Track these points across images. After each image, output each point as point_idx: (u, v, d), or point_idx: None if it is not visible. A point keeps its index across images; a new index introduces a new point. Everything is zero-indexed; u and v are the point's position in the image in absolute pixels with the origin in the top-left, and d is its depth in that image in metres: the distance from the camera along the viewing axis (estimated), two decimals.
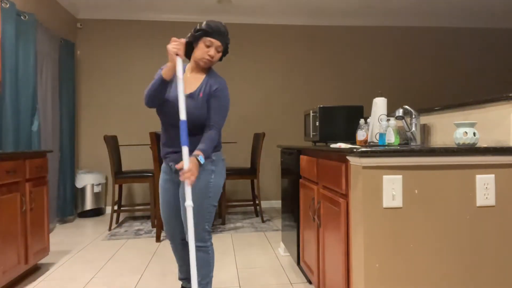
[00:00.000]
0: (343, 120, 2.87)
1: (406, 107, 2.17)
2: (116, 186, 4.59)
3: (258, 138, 4.45)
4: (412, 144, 2.13)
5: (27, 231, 2.61)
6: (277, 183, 5.50)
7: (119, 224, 4.42)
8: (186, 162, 1.74)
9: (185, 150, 1.74)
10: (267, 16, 5.38)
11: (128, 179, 4.11)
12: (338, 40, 5.60)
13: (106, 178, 5.16)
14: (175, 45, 1.78)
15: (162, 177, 2.06)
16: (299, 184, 2.57)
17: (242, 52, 5.42)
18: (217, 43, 1.87)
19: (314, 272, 2.18)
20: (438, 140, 2.18)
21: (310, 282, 2.54)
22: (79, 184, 4.75)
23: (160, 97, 1.85)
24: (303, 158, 2.45)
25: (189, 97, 1.87)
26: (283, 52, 5.50)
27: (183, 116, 1.76)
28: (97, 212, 4.88)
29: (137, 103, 5.23)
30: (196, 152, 1.79)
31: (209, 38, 1.85)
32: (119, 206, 4.47)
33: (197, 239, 1.89)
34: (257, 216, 4.76)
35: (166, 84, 1.82)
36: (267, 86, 5.47)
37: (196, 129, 1.88)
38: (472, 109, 1.90)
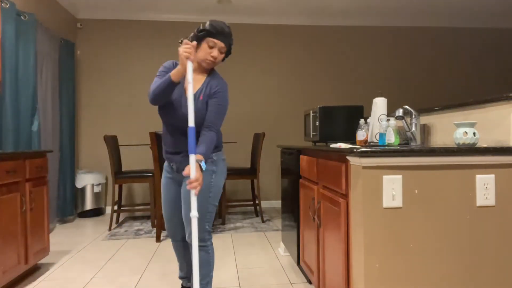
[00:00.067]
0: (343, 120, 2.87)
1: (406, 107, 2.16)
2: (116, 186, 4.60)
3: (258, 138, 4.45)
4: (412, 144, 2.13)
5: (27, 231, 2.61)
6: (277, 183, 5.50)
7: (119, 224, 4.42)
8: (193, 171, 1.69)
9: (192, 158, 1.69)
10: (267, 16, 5.38)
11: (128, 179, 4.11)
12: (338, 40, 5.60)
13: (106, 178, 5.16)
14: (187, 48, 1.71)
15: (164, 175, 2.05)
16: (299, 184, 2.57)
17: (242, 52, 5.42)
18: (220, 44, 1.84)
19: (314, 272, 2.18)
20: (438, 140, 2.18)
21: (310, 282, 2.54)
22: (79, 184, 4.75)
23: (167, 98, 1.82)
24: (303, 158, 2.45)
25: None
26: (283, 52, 5.50)
27: (191, 122, 1.68)
28: (97, 212, 4.88)
29: (137, 103, 5.23)
30: (197, 157, 1.75)
31: (212, 39, 1.82)
32: (119, 206, 4.47)
33: (197, 239, 1.89)
34: (257, 216, 4.77)
35: (174, 86, 1.77)
36: (267, 86, 5.47)
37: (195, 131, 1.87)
38: (472, 109, 1.90)
